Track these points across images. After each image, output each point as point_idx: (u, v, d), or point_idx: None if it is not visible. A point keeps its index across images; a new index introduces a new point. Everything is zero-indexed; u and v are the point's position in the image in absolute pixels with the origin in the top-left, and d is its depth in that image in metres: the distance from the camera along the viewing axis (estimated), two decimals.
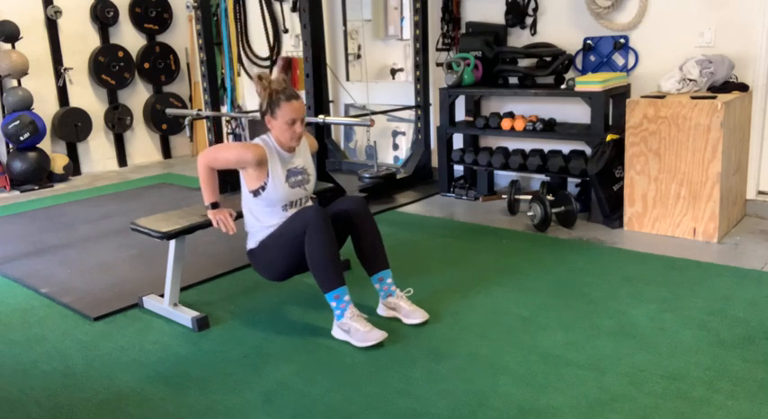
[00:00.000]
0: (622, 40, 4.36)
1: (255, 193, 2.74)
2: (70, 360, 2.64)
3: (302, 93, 4.83)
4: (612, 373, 2.32)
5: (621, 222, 3.94)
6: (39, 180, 6.00)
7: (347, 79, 6.11)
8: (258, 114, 2.84)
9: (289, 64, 6.18)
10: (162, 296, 3.04)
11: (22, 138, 5.74)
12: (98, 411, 2.26)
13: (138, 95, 6.92)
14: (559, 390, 2.23)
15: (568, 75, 4.49)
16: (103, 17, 6.44)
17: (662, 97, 3.73)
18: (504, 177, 5.12)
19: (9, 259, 3.93)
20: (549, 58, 4.49)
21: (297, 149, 2.83)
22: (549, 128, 4.36)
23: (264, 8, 6.35)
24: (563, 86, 4.31)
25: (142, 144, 7.06)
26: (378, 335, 2.59)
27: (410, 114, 5.64)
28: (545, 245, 3.73)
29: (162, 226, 2.88)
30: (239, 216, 2.91)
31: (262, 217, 2.78)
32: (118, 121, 6.69)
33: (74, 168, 6.38)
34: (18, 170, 5.86)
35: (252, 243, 2.84)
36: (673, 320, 2.71)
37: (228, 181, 5.03)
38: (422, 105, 5.32)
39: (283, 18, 6.36)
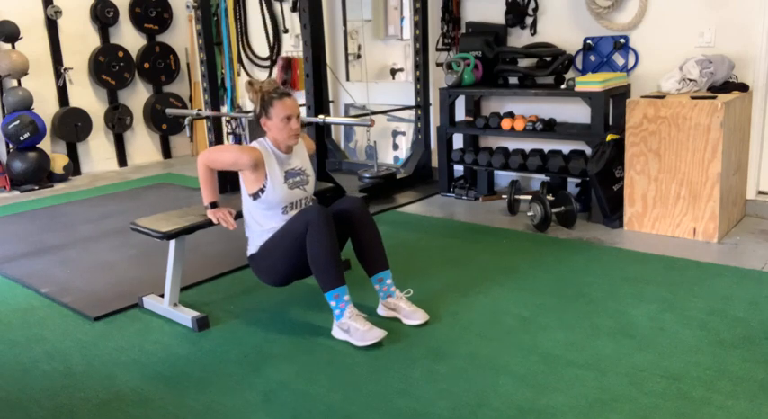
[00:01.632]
0: (622, 40, 4.36)
1: (255, 196, 2.74)
2: (70, 360, 2.64)
3: (302, 93, 4.83)
4: (612, 373, 2.32)
5: (621, 222, 3.94)
6: (39, 180, 6.00)
7: (347, 79, 6.11)
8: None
9: (289, 64, 6.19)
10: (162, 296, 3.04)
11: (22, 138, 5.74)
12: (98, 411, 2.26)
13: (138, 95, 6.92)
14: (559, 390, 2.23)
15: (568, 75, 4.49)
16: (103, 17, 6.44)
17: (662, 97, 3.73)
18: (504, 177, 5.12)
19: (9, 259, 3.93)
20: (549, 58, 4.49)
21: (294, 150, 2.83)
22: (549, 128, 4.36)
23: (264, 8, 6.35)
24: (563, 86, 4.31)
25: (142, 144, 7.06)
26: (377, 334, 2.59)
27: (410, 114, 5.64)
28: (545, 245, 3.73)
29: (162, 226, 2.88)
30: (239, 215, 2.91)
31: (262, 220, 2.78)
32: (118, 121, 6.69)
33: (74, 168, 6.38)
34: (18, 170, 5.86)
35: (252, 247, 2.84)
36: (673, 320, 2.71)
37: (228, 180, 5.03)
38: (422, 105, 5.32)
39: (283, 18, 6.36)
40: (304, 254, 2.62)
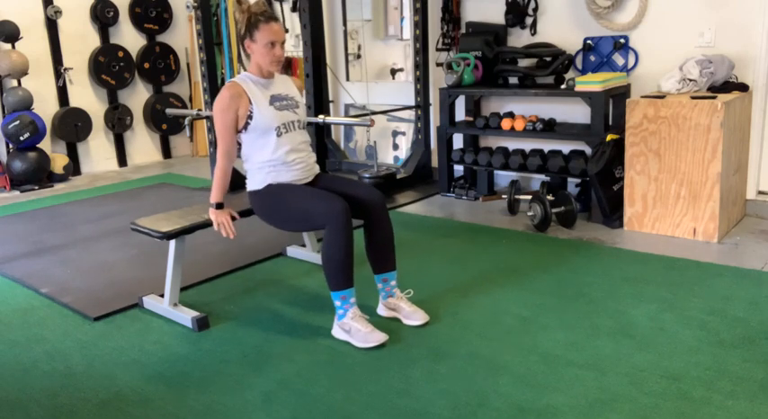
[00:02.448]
0: (622, 40, 4.36)
1: (246, 126, 2.70)
2: (70, 360, 2.64)
3: (302, 94, 4.83)
4: (612, 373, 2.32)
5: (621, 222, 3.94)
6: (39, 180, 6.00)
7: (347, 79, 6.11)
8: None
9: (289, 64, 6.19)
10: (162, 296, 3.04)
11: (22, 138, 5.75)
12: (98, 411, 2.26)
13: (138, 95, 6.92)
14: (559, 390, 2.23)
15: (568, 75, 4.49)
16: (103, 17, 6.44)
17: (662, 97, 3.73)
18: (504, 177, 5.12)
19: (9, 259, 3.93)
20: (549, 58, 4.49)
21: (276, 79, 2.81)
22: (549, 128, 4.36)
23: None
24: (563, 86, 4.31)
25: (142, 144, 7.06)
26: (379, 337, 2.59)
27: (410, 114, 5.64)
28: (545, 245, 3.73)
29: (162, 226, 2.88)
30: (241, 215, 2.91)
31: (260, 150, 2.73)
32: (118, 121, 6.69)
33: (74, 168, 6.39)
34: (18, 170, 5.86)
35: (254, 183, 2.79)
36: (673, 320, 2.71)
37: (230, 181, 5.03)
38: (422, 105, 5.32)
39: (283, 18, 6.36)
40: (308, 225, 2.68)
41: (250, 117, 2.68)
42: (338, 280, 2.61)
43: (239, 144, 2.80)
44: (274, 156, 2.73)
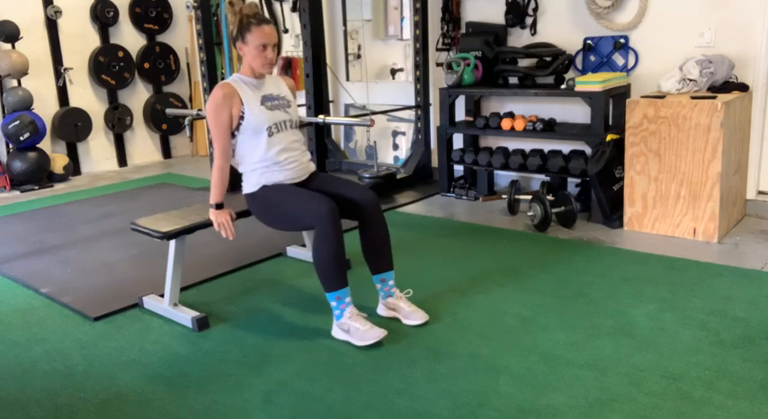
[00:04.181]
0: (622, 40, 4.36)
1: (238, 127, 2.72)
2: (70, 360, 2.64)
3: (302, 94, 4.83)
4: (612, 373, 2.32)
5: (621, 222, 3.94)
6: (39, 180, 6.00)
7: (347, 79, 6.11)
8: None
9: (289, 64, 6.18)
10: (162, 296, 3.04)
11: (22, 138, 5.74)
12: (98, 411, 2.26)
13: (138, 95, 6.92)
14: (559, 390, 2.23)
15: (568, 75, 4.49)
16: (103, 17, 6.44)
17: (662, 97, 3.73)
18: (504, 177, 5.12)
19: (9, 259, 3.93)
20: (549, 58, 4.49)
21: (267, 80, 2.82)
22: (549, 128, 4.36)
23: (264, 8, 6.34)
24: (563, 86, 4.31)
25: (142, 144, 7.06)
26: (377, 333, 2.59)
27: (410, 114, 5.64)
28: (545, 245, 3.73)
29: (162, 226, 2.88)
30: (239, 216, 2.91)
31: (252, 151, 2.74)
32: (118, 121, 6.69)
33: (74, 168, 6.38)
34: (18, 170, 5.86)
35: (249, 186, 2.81)
36: (673, 320, 2.71)
37: (228, 181, 5.03)
38: (422, 105, 5.32)
39: (283, 18, 6.36)
40: (300, 226, 2.73)
41: (242, 117, 2.70)
42: (331, 281, 2.61)
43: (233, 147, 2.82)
44: (266, 156, 2.74)
